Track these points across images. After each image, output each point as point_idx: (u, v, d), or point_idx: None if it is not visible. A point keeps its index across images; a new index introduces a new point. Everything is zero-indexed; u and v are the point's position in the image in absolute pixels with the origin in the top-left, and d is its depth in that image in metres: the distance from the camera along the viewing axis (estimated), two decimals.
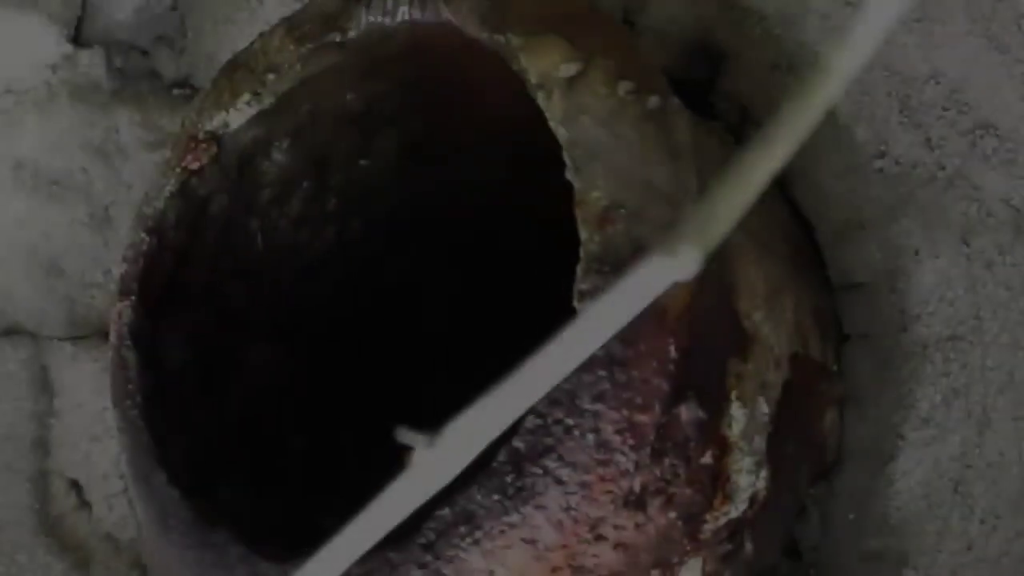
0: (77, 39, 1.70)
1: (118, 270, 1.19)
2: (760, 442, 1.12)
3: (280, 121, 1.22)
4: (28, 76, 1.69)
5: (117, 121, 1.67)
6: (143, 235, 1.19)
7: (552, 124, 1.04)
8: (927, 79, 1.19)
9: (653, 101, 1.03)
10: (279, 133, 1.22)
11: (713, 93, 1.30)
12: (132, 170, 1.67)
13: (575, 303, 0.99)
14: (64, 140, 1.68)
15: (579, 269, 0.98)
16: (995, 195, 1.16)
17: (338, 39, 1.16)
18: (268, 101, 1.20)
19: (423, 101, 1.25)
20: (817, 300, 1.22)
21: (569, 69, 1.04)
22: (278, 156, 1.24)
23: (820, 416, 1.21)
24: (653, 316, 0.95)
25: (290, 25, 1.18)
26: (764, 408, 1.11)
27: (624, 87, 1.03)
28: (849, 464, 1.21)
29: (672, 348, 0.97)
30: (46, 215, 1.68)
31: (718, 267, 1.03)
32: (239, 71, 1.19)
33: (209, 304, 1.25)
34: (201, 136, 1.20)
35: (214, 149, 1.20)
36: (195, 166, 1.19)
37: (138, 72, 1.69)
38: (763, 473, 1.13)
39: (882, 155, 1.21)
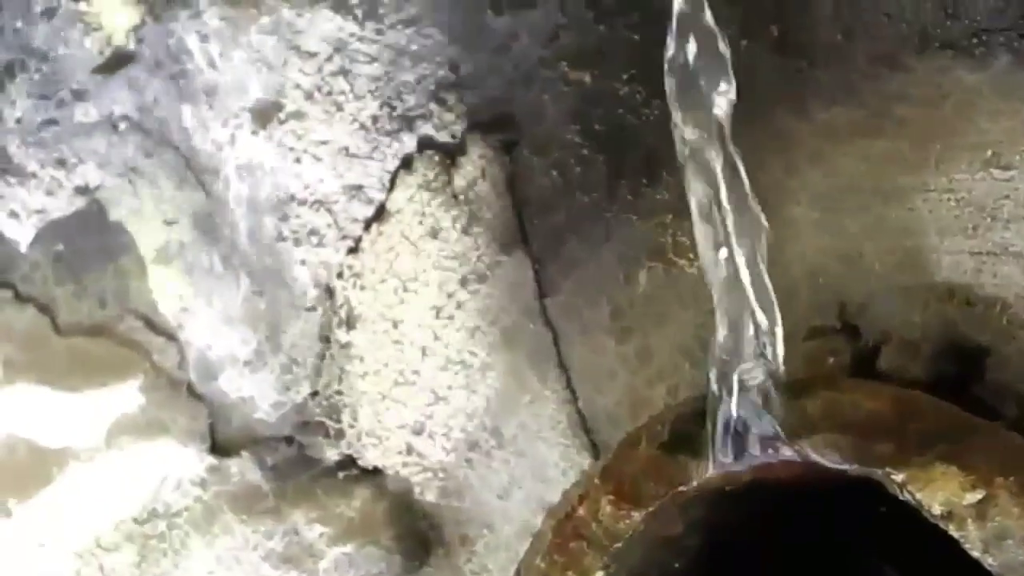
0: (214, 448, 1.63)
1: None
2: None
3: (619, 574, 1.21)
4: (175, 498, 1.63)
5: (294, 523, 1.62)
6: None
7: (975, 554, 1.05)
8: None
9: None
10: None
11: (980, 386, 1.31)
12: (327, 567, 1.62)
13: None
14: (240, 557, 1.62)
15: None
16: None
17: (680, 490, 1.14)
18: (615, 566, 1.18)
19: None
20: None
21: (973, 496, 1.05)
22: None
23: None
24: None
25: (616, 487, 1.17)
26: None
27: None
28: None
29: None
30: None
31: None
32: (575, 542, 1.18)
33: None
34: None
35: None
36: None
37: (293, 465, 1.64)
38: None
39: None
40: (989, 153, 1.29)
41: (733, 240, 1.15)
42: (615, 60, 1.45)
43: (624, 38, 1.43)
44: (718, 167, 1.13)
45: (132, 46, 1.56)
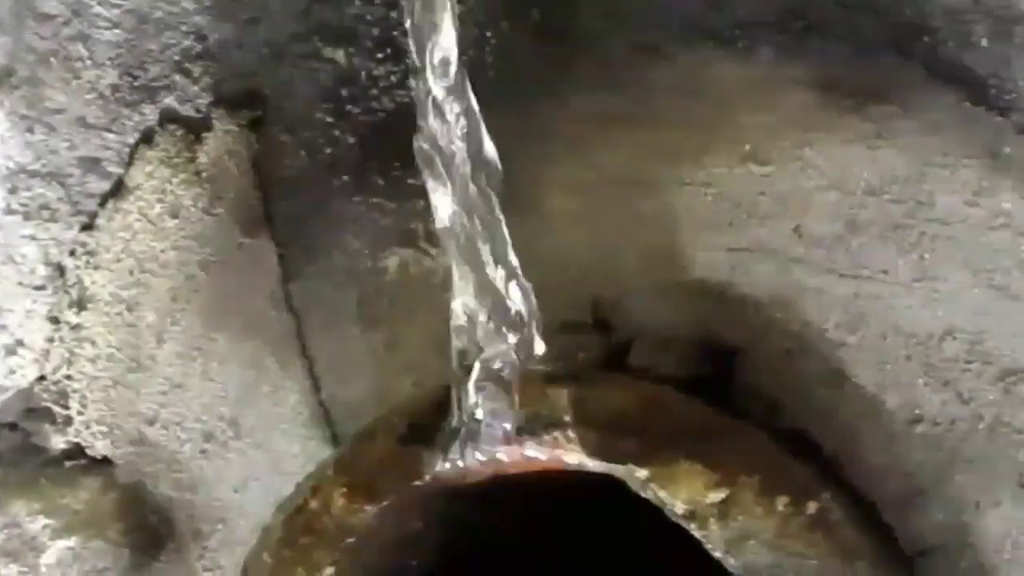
0: None
1: None
2: None
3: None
4: None
5: (15, 515, 1.53)
6: None
7: (717, 554, 1.03)
8: (943, 336, 1.22)
9: (812, 507, 1.03)
10: None
11: (733, 388, 1.29)
12: (50, 562, 1.54)
13: None
14: None
15: None
16: None
17: (416, 484, 1.10)
18: (346, 562, 1.13)
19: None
20: None
21: (716, 495, 1.03)
22: None
23: None
24: None
25: (350, 479, 1.12)
26: None
27: (781, 501, 1.02)
28: None
29: None
30: None
31: None
32: (305, 537, 1.12)
33: None
34: None
35: None
36: None
37: (16, 453, 1.56)
38: None
39: (919, 419, 1.23)
40: (747, 147, 1.27)
41: (477, 228, 1.10)
42: (370, 38, 1.40)
43: (380, 15, 1.37)
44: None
45: None
